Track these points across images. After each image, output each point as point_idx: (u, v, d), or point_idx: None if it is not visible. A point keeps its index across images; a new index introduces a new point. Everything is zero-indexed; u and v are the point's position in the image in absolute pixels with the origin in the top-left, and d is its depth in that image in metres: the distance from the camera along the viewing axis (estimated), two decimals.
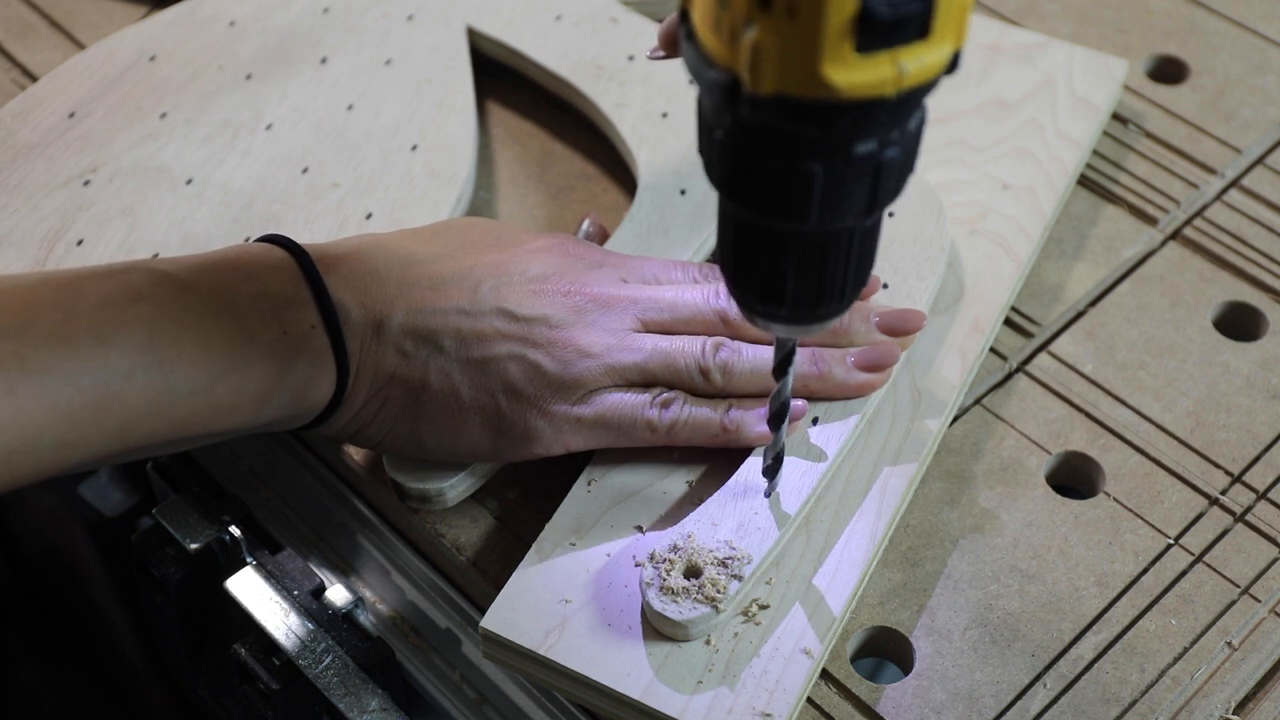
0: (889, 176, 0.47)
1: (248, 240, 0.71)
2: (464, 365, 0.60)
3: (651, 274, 0.65)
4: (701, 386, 0.62)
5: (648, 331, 0.63)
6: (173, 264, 0.58)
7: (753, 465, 0.62)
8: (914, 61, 0.43)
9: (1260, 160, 0.79)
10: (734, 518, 0.60)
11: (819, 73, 0.43)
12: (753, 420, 0.62)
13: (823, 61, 0.43)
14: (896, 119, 0.46)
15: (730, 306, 0.63)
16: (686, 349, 0.62)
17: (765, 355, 0.62)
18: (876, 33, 0.42)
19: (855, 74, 0.43)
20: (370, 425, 0.61)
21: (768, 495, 0.61)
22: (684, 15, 0.47)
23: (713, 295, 0.63)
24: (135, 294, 0.56)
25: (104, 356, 0.54)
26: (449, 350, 0.60)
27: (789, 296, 0.51)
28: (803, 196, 0.47)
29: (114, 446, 0.55)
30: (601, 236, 0.72)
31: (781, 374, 0.57)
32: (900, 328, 0.65)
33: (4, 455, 0.52)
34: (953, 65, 0.45)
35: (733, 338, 0.63)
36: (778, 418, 0.58)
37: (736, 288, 0.52)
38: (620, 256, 0.66)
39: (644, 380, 0.62)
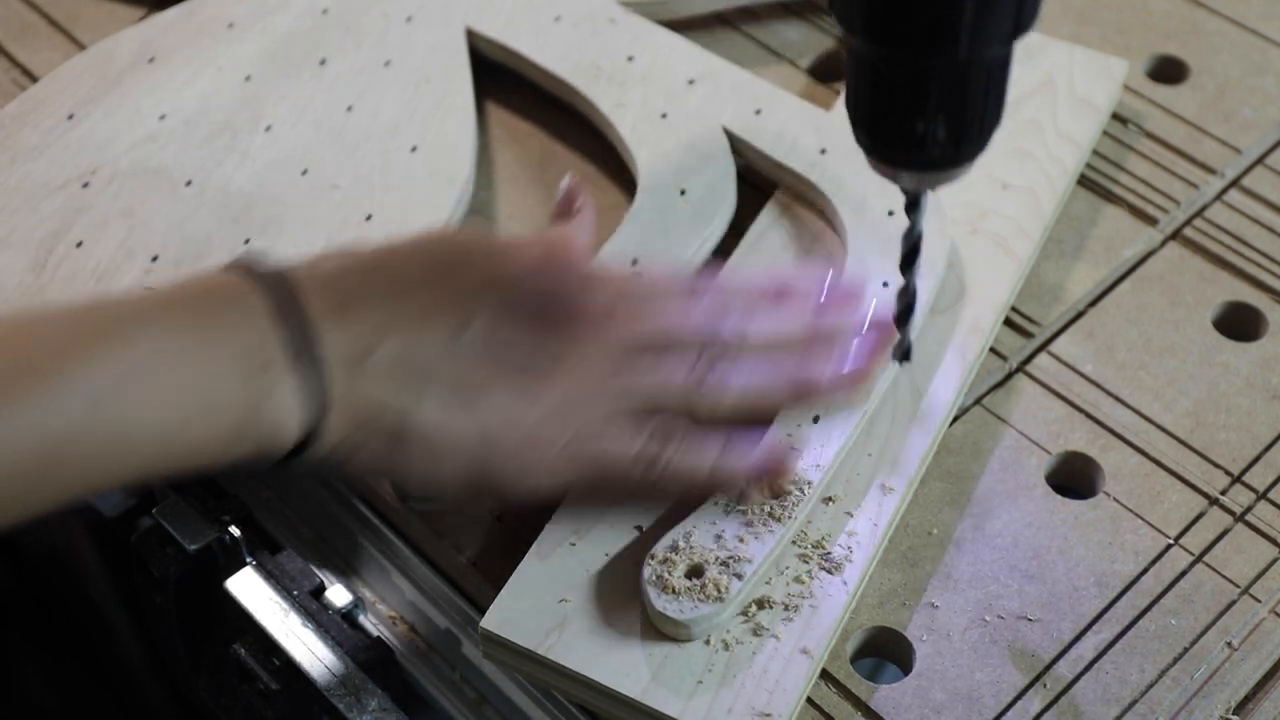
0: None
1: (246, 242, 0.71)
2: (447, 404, 0.58)
3: (646, 288, 0.63)
4: (697, 414, 0.61)
5: (640, 350, 0.61)
6: (140, 300, 0.56)
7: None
8: None
9: (1260, 160, 0.79)
10: (734, 518, 0.60)
11: None
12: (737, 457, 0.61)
13: None
14: None
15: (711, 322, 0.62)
16: (672, 373, 0.61)
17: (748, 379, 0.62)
18: None
19: None
20: (348, 461, 0.58)
21: (900, 358, 0.62)
22: None
23: (704, 314, 0.62)
24: (100, 331, 0.53)
25: (63, 402, 0.51)
26: (432, 389, 0.58)
27: (929, 139, 0.51)
28: (953, 23, 0.47)
29: (76, 490, 0.53)
30: (574, 200, 0.67)
31: (912, 219, 0.58)
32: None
33: None
34: None
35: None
36: (909, 260, 0.60)
37: (871, 138, 0.52)
38: (613, 279, 0.63)
39: (645, 408, 0.61)
